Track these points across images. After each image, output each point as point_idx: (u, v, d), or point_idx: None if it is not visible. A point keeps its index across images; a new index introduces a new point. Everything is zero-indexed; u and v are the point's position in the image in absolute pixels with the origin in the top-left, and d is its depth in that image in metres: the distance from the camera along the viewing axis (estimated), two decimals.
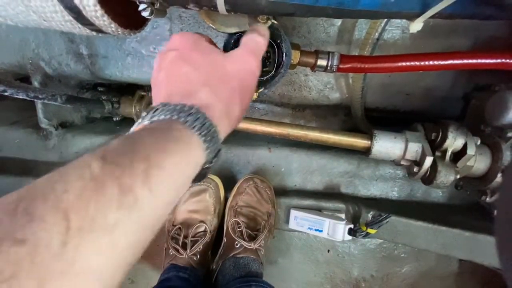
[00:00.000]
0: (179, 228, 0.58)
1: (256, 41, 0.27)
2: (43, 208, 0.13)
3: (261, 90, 0.34)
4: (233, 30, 0.30)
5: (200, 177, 0.24)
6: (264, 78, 0.33)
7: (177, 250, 0.55)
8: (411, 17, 0.24)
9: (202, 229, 0.58)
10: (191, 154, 0.21)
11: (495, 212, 0.25)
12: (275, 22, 0.29)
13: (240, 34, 0.32)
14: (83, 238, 0.14)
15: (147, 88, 0.70)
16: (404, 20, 0.57)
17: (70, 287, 0.13)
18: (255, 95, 0.33)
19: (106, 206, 0.15)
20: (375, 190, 0.73)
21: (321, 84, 0.65)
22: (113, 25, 0.25)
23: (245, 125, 0.58)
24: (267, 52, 0.33)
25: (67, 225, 0.13)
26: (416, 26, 0.24)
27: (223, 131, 0.24)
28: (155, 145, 0.18)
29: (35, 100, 0.51)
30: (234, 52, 0.27)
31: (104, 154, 0.16)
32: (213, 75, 0.25)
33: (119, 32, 0.27)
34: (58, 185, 0.14)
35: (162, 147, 0.18)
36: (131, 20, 0.28)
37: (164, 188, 0.18)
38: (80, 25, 0.25)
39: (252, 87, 0.27)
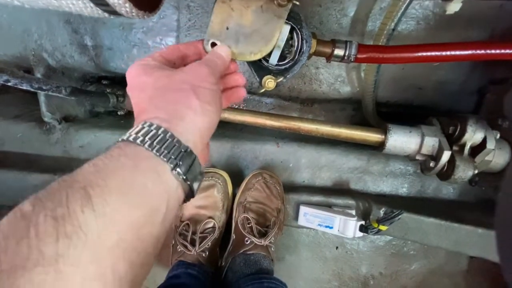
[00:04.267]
0: (187, 224, 0.57)
1: (213, 60, 0.27)
2: None
3: (280, 79, 0.32)
4: None
5: (190, 187, 0.22)
6: (283, 66, 0.32)
7: (186, 247, 0.54)
8: None
9: (210, 225, 0.57)
10: (140, 164, 0.19)
11: (496, 210, 0.24)
12: (297, 3, 0.28)
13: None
14: (17, 278, 0.13)
15: None
16: (420, 11, 0.55)
17: None
18: (273, 84, 0.31)
19: (41, 241, 0.14)
20: (385, 186, 0.72)
21: (332, 77, 0.64)
22: (127, 4, 0.24)
23: (253, 119, 0.57)
24: (286, 39, 0.31)
25: None
26: (454, 6, 0.22)
27: (187, 129, 0.22)
28: (93, 169, 0.17)
29: (39, 91, 0.49)
30: (185, 67, 0.26)
31: (38, 193, 0.16)
32: (158, 88, 0.24)
33: (133, 14, 0.25)
34: None
35: (99, 168, 0.17)
36: (145, 1, 0.26)
37: (115, 205, 0.16)
38: (92, 5, 0.23)
39: (210, 87, 0.25)
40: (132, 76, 0.26)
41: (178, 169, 0.20)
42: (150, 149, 0.20)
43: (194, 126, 0.23)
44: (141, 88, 0.25)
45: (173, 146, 0.21)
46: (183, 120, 0.22)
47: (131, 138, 0.20)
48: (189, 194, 0.23)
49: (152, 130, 0.20)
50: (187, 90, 0.24)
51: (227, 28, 0.29)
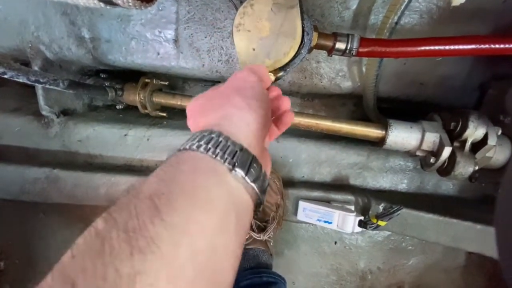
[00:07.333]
0: None
1: (252, 66, 0.29)
2: (51, 280, 0.13)
3: (280, 73, 0.32)
4: None
5: (254, 190, 0.21)
6: None
7: None
8: None
9: None
10: (198, 167, 0.18)
11: (496, 207, 0.24)
12: None
13: None
14: None
15: (151, 74, 0.68)
16: (423, 4, 0.54)
17: None
18: (273, 78, 0.31)
19: (116, 258, 0.13)
20: (385, 182, 0.72)
21: (333, 72, 0.63)
22: None
23: None
24: None
25: None
26: None
27: (237, 128, 0.22)
28: (155, 179, 0.17)
29: (36, 84, 0.49)
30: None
31: (109, 208, 0.15)
32: (206, 100, 0.26)
33: (130, 4, 0.25)
34: (66, 253, 0.14)
35: (161, 177, 0.17)
36: None
37: (183, 211, 0.15)
38: None
39: (250, 84, 0.26)
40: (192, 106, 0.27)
41: (237, 169, 0.19)
42: (205, 152, 0.19)
43: (244, 124, 0.22)
44: (196, 109, 0.26)
45: (227, 147, 0.20)
46: (231, 120, 0.22)
47: (186, 146, 0.20)
48: (257, 199, 0.21)
49: (205, 135, 0.20)
50: (229, 92, 0.25)
51: (253, 49, 0.30)
